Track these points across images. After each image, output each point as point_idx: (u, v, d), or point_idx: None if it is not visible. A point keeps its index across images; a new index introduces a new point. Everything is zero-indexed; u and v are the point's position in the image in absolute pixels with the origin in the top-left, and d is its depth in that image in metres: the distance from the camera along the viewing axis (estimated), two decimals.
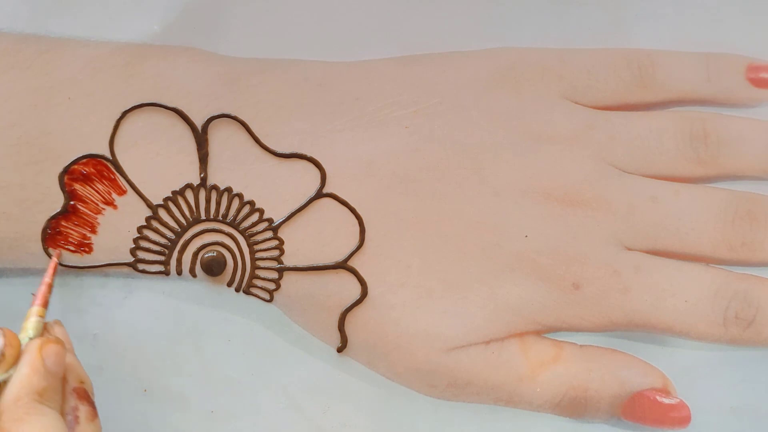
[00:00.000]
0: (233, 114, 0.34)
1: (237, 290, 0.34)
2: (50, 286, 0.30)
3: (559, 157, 0.35)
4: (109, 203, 0.33)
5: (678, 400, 0.34)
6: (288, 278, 0.34)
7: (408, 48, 0.36)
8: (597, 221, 0.35)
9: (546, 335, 0.35)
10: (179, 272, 0.34)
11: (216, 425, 0.34)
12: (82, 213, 0.33)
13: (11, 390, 0.26)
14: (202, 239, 0.34)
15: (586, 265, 0.34)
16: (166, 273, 0.34)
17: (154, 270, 0.34)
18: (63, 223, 0.33)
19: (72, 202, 0.33)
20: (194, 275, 0.34)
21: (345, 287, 0.34)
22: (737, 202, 0.36)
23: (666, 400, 0.34)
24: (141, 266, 0.34)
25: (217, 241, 0.34)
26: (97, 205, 0.33)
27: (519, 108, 0.36)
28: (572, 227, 0.35)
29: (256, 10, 0.36)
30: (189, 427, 0.34)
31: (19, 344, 0.28)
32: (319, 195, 0.34)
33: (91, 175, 0.33)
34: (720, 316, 0.34)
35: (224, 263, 0.34)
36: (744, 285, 0.35)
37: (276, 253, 0.34)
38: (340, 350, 0.34)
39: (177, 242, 0.34)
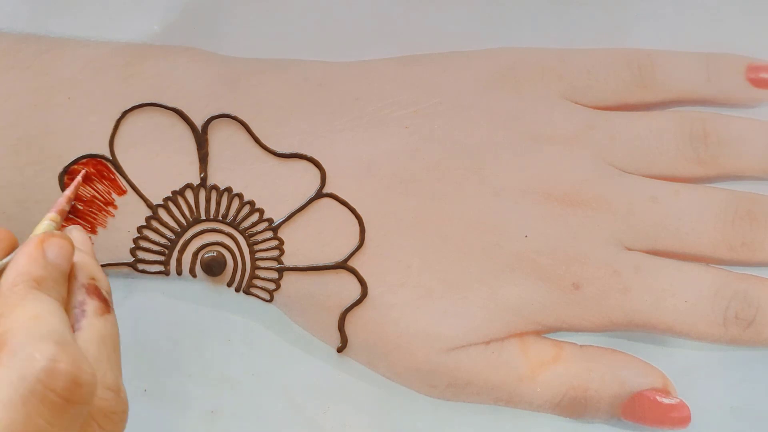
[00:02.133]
0: (233, 114, 0.34)
1: (237, 290, 0.34)
2: (69, 200, 0.29)
3: (559, 157, 0.35)
4: (109, 203, 0.33)
5: (678, 400, 0.34)
6: (288, 278, 0.34)
7: (408, 48, 0.36)
8: (597, 221, 0.35)
9: (546, 335, 0.35)
10: (179, 272, 0.34)
11: (216, 425, 0.34)
12: (82, 213, 0.33)
13: (7, 277, 0.25)
14: (202, 239, 0.34)
15: (586, 265, 0.34)
16: (166, 273, 0.34)
17: (154, 270, 0.34)
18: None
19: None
20: (194, 275, 0.34)
21: (345, 287, 0.34)
22: (737, 202, 0.36)
23: (666, 400, 0.34)
24: (141, 266, 0.34)
25: (217, 241, 0.34)
26: (97, 205, 0.33)
27: (519, 108, 0.36)
28: (572, 227, 0.35)
29: (256, 10, 0.36)
30: (189, 427, 0.34)
31: (12, 237, 0.27)
32: (319, 195, 0.34)
33: (91, 175, 0.33)
34: (720, 316, 0.34)
35: (224, 263, 0.34)
36: (744, 285, 0.35)
37: (276, 253, 0.34)
38: (340, 350, 0.34)
39: (177, 242, 0.34)
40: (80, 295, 0.26)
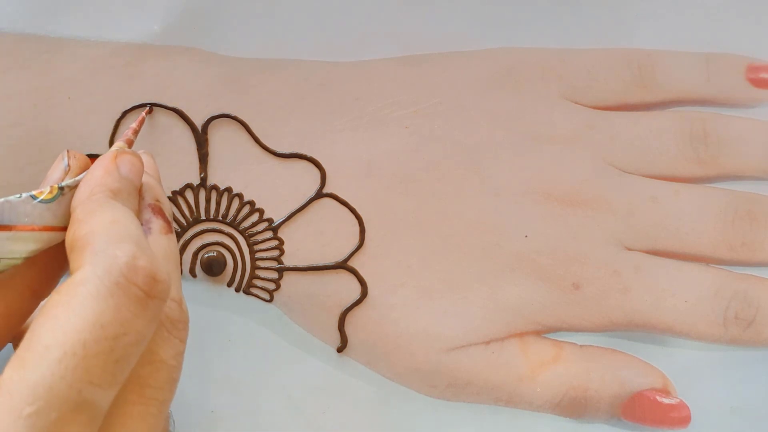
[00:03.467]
0: (233, 114, 0.34)
1: (237, 290, 0.34)
2: (136, 132, 0.30)
3: (559, 157, 0.35)
4: None
5: (678, 400, 0.34)
6: (288, 278, 0.34)
7: (408, 48, 0.36)
8: (597, 221, 0.35)
9: (546, 335, 0.35)
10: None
11: (216, 425, 0.34)
12: None
13: (85, 187, 0.26)
14: (202, 239, 0.34)
15: (586, 265, 0.34)
16: None
17: None
18: None
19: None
20: (194, 275, 0.34)
21: (345, 287, 0.34)
22: (737, 202, 0.36)
23: (666, 400, 0.34)
24: None
25: (217, 241, 0.34)
26: None
27: (519, 108, 0.36)
28: (572, 227, 0.35)
29: (256, 10, 0.36)
30: (189, 427, 0.34)
31: (85, 158, 0.28)
32: (319, 195, 0.34)
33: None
34: (720, 316, 0.34)
35: (224, 263, 0.34)
36: (744, 285, 0.35)
37: (276, 253, 0.34)
38: (340, 350, 0.34)
39: (177, 242, 0.34)
40: (146, 214, 0.27)
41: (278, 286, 0.34)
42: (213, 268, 0.34)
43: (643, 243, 0.35)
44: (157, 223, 0.27)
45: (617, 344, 0.35)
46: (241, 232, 0.34)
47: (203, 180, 0.34)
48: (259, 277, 0.34)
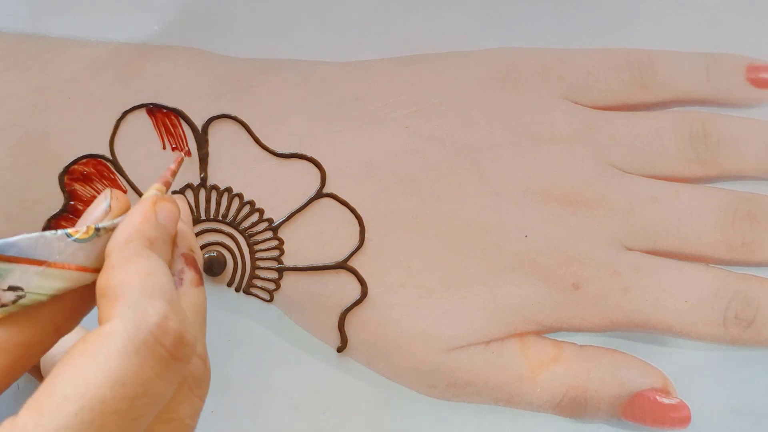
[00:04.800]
0: (233, 114, 0.34)
1: (237, 290, 0.34)
2: (174, 173, 0.29)
3: (559, 157, 0.35)
4: None
5: (678, 400, 0.34)
6: (288, 278, 0.34)
7: (408, 48, 0.36)
8: (597, 221, 0.35)
9: (546, 335, 0.35)
10: None
11: (216, 425, 0.34)
12: (82, 213, 0.33)
13: (122, 233, 0.26)
14: (202, 239, 0.34)
15: (586, 265, 0.34)
16: None
17: None
18: (63, 223, 0.33)
19: (72, 202, 0.33)
20: None
21: (345, 287, 0.34)
22: (737, 202, 0.36)
23: (666, 400, 0.34)
24: None
25: (217, 241, 0.34)
26: None
27: (519, 108, 0.36)
28: (572, 227, 0.35)
29: (256, 10, 0.36)
30: None
31: (127, 199, 0.27)
32: (319, 195, 0.34)
33: (91, 175, 0.33)
34: (720, 317, 0.34)
35: (224, 263, 0.34)
36: (744, 285, 0.35)
37: (276, 253, 0.34)
38: (340, 350, 0.34)
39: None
40: (179, 264, 0.27)
41: (278, 286, 0.34)
42: (213, 268, 0.34)
43: (643, 243, 0.35)
44: (189, 275, 0.27)
45: (617, 344, 0.35)
46: (241, 232, 0.34)
47: (203, 180, 0.34)
48: (259, 277, 0.34)
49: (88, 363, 0.22)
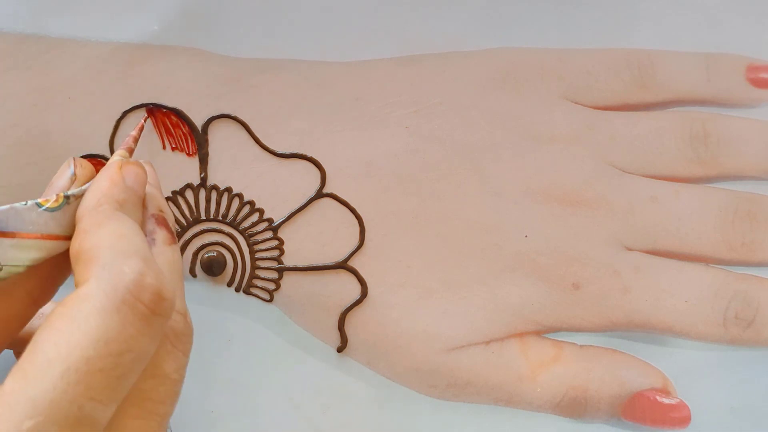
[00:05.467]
0: (233, 114, 0.34)
1: (237, 290, 0.34)
2: (136, 140, 0.30)
3: (560, 157, 0.35)
4: None
5: (678, 400, 0.34)
6: (288, 278, 0.34)
7: (408, 48, 0.36)
8: (597, 221, 0.35)
9: (546, 335, 0.35)
10: None
11: (216, 425, 0.34)
12: None
13: (91, 198, 0.26)
14: (202, 239, 0.34)
15: (586, 265, 0.34)
16: None
17: None
18: None
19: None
20: (194, 275, 0.34)
21: (345, 287, 0.34)
22: (737, 202, 0.36)
23: (666, 400, 0.34)
24: None
25: (217, 241, 0.34)
26: None
27: (519, 108, 0.36)
28: (572, 227, 0.35)
29: (257, 10, 0.36)
30: (189, 427, 0.34)
31: (91, 167, 0.28)
32: (319, 195, 0.34)
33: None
34: (720, 317, 0.34)
35: (224, 263, 0.34)
36: (744, 285, 0.35)
37: (276, 253, 0.34)
38: (340, 350, 0.34)
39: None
40: (150, 225, 0.27)
41: (278, 286, 0.34)
42: (213, 268, 0.34)
43: (643, 243, 0.35)
44: (161, 234, 0.27)
45: (617, 344, 0.35)
46: (241, 232, 0.34)
47: (203, 180, 0.34)
48: (259, 277, 0.34)
49: (68, 325, 0.22)
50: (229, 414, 0.34)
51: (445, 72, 0.36)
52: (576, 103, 0.36)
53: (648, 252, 0.35)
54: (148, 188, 0.28)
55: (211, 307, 0.35)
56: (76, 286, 0.24)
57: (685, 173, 0.36)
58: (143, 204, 0.28)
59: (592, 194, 0.35)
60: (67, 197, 0.26)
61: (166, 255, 0.27)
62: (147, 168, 0.29)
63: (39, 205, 0.25)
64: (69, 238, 0.26)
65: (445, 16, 0.37)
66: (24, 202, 0.25)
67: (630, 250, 0.35)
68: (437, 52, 0.37)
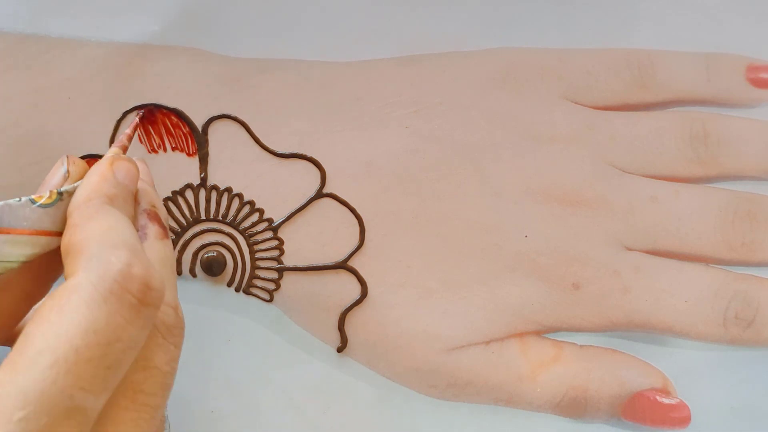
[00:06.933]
0: (233, 114, 0.34)
1: (237, 290, 0.34)
2: (129, 137, 0.30)
3: (560, 157, 0.35)
4: None
5: (678, 400, 0.34)
6: (288, 278, 0.34)
7: (408, 48, 0.36)
8: (597, 221, 0.35)
9: (546, 335, 0.35)
10: (179, 272, 0.34)
11: (216, 425, 0.34)
12: None
13: (82, 193, 0.26)
14: (202, 239, 0.34)
15: (586, 265, 0.34)
16: None
17: None
18: None
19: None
20: (194, 275, 0.34)
21: (345, 287, 0.34)
22: (737, 202, 0.36)
23: (666, 400, 0.34)
24: None
25: (217, 241, 0.34)
26: None
27: (519, 108, 0.36)
28: (572, 227, 0.35)
29: (256, 10, 0.36)
30: (189, 427, 0.34)
31: (84, 164, 0.28)
32: (319, 195, 0.34)
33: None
34: (720, 317, 0.34)
35: (224, 263, 0.34)
36: (744, 285, 0.35)
37: (276, 253, 0.34)
38: (340, 350, 0.34)
39: (177, 242, 0.34)
40: (142, 220, 0.27)
41: (278, 286, 0.34)
42: (213, 268, 0.34)
43: (643, 243, 0.35)
44: (152, 229, 0.27)
45: (617, 344, 0.35)
46: (241, 232, 0.34)
47: (203, 180, 0.34)
48: (259, 277, 0.34)
49: (57, 316, 0.22)
50: (229, 414, 0.34)
51: (445, 72, 0.36)
52: (576, 103, 0.36)
53: (648, 252, 0.35)
54: (140, 184, 0.28)
55: (210, 307, 0.35)
56: (66, 278, 0.24)
57: (685, 173, 0.36)
58: (136, 199, 0.28)
59: (592, 194, 0.35)
60: (60, 194, 0.26)
61: (157, 249, 0.27)
62: (139, 165, 0.29)
63: (33, 201, 0.26)
64: (62, 234, 0.26)
65: (445, 16, 0.37)
66: (18, 199, 0.25)
67: (630, 250, 0.35)
68: (437, 52, 0.37)
